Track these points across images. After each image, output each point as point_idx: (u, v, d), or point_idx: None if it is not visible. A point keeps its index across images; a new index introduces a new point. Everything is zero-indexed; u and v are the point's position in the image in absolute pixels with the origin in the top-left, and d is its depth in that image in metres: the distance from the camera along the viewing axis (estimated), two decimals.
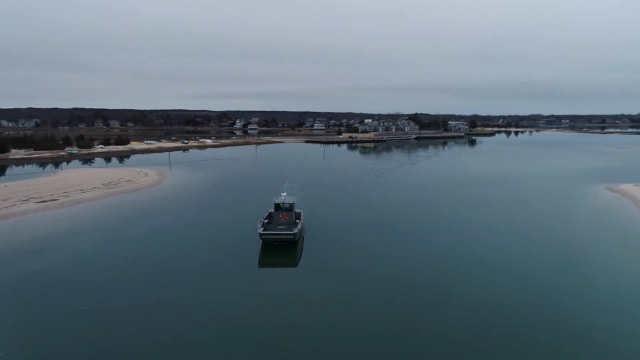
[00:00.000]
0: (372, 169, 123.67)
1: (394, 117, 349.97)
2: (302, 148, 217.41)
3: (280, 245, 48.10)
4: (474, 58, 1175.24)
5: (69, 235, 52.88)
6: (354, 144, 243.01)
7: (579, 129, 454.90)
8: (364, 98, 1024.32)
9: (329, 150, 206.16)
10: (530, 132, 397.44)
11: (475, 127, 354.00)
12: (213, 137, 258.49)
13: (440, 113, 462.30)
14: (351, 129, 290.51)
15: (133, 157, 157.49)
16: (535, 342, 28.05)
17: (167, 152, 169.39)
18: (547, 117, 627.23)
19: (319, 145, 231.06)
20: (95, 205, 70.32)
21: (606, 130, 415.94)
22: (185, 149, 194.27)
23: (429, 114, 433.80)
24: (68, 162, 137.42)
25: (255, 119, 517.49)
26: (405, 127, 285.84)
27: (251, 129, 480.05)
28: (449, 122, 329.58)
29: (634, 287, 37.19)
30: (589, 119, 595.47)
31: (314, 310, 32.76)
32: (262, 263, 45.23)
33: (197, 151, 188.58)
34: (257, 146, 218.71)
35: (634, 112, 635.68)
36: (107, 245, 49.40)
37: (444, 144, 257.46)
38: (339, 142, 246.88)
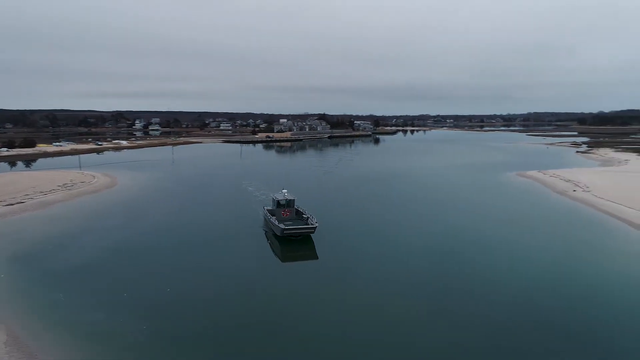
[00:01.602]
0: (318, 166, 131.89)
1: (302, 117, 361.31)
2: (223, 148, 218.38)
3: (297, 240, 50.08)
4: (369, 60, 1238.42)
5: (77, 233, 53.07)
6: (270, 144, 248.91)
7: (462, 127, 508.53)
8: (264, 98, 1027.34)
9: (253, 151, 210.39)
10: (424, 130, 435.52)
11: (379, 126, 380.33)
12: (108, 139, 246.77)
13: (341, 113, 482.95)
14: (266, 128, 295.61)
15: (47, 160, 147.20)
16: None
17: (81, 155, 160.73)
18: (434, 116, 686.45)
19: (239, 145, 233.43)
20: (69, 206, 69.00)
21: (485, 129, 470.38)
22: (99, 151, 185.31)
23: (327, 114, 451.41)
24: None
25: (156, 120, 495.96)
26: (318, 127, 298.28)
27: (153, 129, 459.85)
28: (355, 122, 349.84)
29: (567, 249, 49.80)
30: (470, 118, 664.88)
31: (348, 298, 34.99)
32: (285, 258, 46.67)
33: (113, 153, 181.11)
34: (174, 147, 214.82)
35: (504, 113, 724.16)
36: (124, 241, 50.72)
37: (352, 142, 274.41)
38: (256, 142, 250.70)
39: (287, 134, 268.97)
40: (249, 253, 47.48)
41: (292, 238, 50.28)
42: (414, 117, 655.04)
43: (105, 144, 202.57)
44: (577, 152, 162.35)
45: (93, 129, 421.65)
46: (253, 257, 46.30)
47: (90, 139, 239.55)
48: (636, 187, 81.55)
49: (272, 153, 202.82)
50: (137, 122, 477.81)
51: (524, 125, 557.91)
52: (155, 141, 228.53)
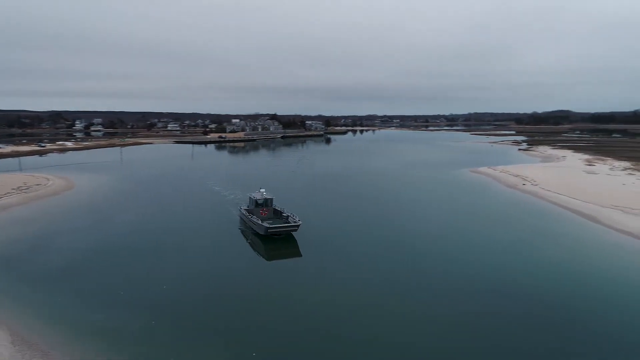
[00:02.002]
0: (280, 165, 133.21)
1: (252, 117, 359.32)
2: (175, 149, 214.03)
3: (279, 238, 50.77)
4: (318, 60, 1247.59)
5: (49, 235, 51.68)
6: (223, 144, 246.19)
7: (408, 127, 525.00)
8: (210, 98, 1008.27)
9: (206, 151, 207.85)
10: (373, 130, 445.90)
11: (330, 126, 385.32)
12: (45, 140, 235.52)
13: (290, 113, 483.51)
14: (217, 128, 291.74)
15: None
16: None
17: (22, 157, 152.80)
18: (381, 117, 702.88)
19: (191, 145, 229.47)
20: (30, 209, 66.27)
21: (430, 128, 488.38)
22: (42, 153, 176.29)
23: (277, 114, 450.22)
24: None
25: (98, 120, 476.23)
26: (270, 127, 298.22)
27: (95, 130, 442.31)
28: (307, 122, 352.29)
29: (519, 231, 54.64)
30: (415, 118, 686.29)
31: (335, 293, 36.04)
32: (269, 256, 47.23)
33: (57, 155, 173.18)
34: (123, 148, 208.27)
35: (447, 113, 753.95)
36: (101, 242, 49.76)
37: (304, 142, 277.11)
38: (208, 142, 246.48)
39: (241, 134, 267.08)
40: (233, 252, 47.96)
41: (275, 237, 50.91)
42: (362, 117, 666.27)
43: (48, 146, 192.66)
44: (519, 149, 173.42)
45: (28, 130, 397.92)
46: (238, 256, 46.76)
47: (24, 140, 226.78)
48: (575, 180, 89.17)
49: (227, 154, 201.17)
50: (77, 122, 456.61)
51: (465, 125, 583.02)
52: (103, 142, 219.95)
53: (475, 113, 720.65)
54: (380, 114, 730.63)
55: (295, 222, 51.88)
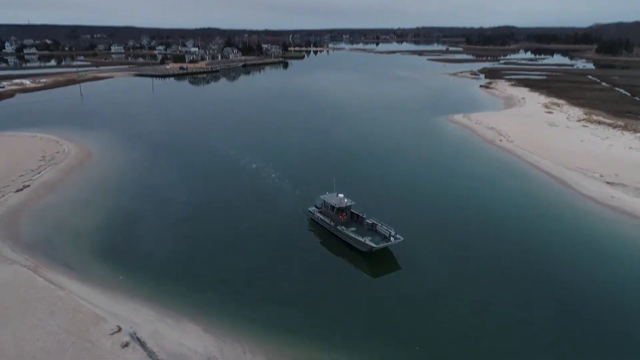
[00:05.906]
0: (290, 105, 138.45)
1: (203, 38, 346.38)
2: (139, 82, 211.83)
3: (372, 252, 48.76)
4: None
5: (149, 206, 60.08)
6: (186, 75, 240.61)
7: (358, 43, 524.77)
8: (138, 6, 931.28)
9: (176, 84, 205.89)
10: (327, 51, 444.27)
11: (287, 50, 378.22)
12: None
13: (234, 28, 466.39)
14: (176, 57, 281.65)
15: None
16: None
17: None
18: (330, 31, 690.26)
19: (156, 79, 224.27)
20: (75, 185, 70.69)
21: (381, 46, 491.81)
22: (4, 96, 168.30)
23: (219, 29, 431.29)
24: None
25: (30, 41, 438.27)
26: (230, 55, 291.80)
27: (29, 53, 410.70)
28: (263, 46, 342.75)
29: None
30: (365, 33, 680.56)
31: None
32: (375, 273, 47.05)
33: (23, 96, 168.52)
34: (83, 83, 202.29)
35: (395, 27, 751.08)
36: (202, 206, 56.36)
37: (262, 69, 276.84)
38: (169, 75, 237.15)
39: (202, 64, 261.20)
40: (334, 269, 48.08)
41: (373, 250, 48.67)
42: (310, 32, 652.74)
43: (7, 86, 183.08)
44: (480, 86, 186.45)
45: None
46: (343, 273, 47.38)
47: None
48: (541, 134, 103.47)
49: (201, 87, 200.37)
50: (7, 44, 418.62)
51: (415, 42, 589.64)
52: (61, 79, 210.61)
53: (423, 28, 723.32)
54: (328, 28, 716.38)
55: (395, 237, 48.64)
